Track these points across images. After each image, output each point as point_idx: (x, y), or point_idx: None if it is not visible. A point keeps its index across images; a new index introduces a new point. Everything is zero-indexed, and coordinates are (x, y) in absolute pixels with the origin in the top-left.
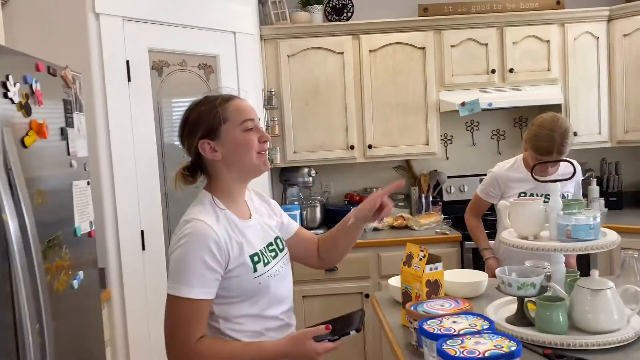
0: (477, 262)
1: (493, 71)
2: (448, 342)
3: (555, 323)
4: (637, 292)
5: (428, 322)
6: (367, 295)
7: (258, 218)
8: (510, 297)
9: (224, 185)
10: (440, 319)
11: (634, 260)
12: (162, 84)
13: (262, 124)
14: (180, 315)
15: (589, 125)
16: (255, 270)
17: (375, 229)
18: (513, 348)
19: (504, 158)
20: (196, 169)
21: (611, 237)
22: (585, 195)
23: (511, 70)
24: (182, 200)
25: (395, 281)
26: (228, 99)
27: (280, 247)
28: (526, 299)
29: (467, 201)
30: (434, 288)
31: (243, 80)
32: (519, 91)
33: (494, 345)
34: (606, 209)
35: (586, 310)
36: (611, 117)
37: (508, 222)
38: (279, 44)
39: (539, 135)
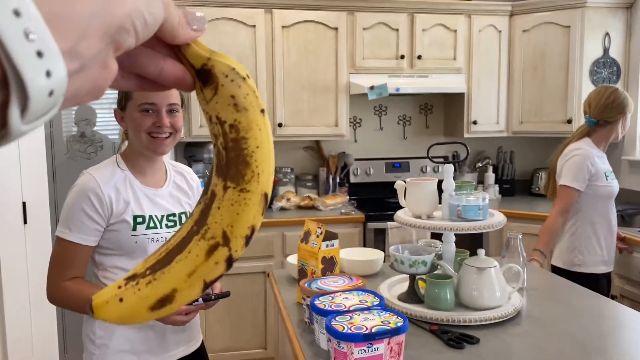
0: (378, 242)
1: (402, 57)
2: (337, 318)
3: (443, 300)
4: (519, 271)
5: (320, 298)
6: (269, 275)
7: (170, 191)
8: (404, 276)
9: (132, 152)
10: (332, 295)
11: (517, 240)
12: None
13: None
14: (56, 254)
15: (489, 115)
16: (134, 229)
17: (282, 209)
18: (399, 324)
19: (409, 143)
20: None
21: (498, 218)
22: (481, 182)
23: (419, 57)
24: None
25: (293, 259)
26: None
27: (184, 221)
28: (417, 277)
29: (373, 184)
30: (330, 265)
31: None
32: (425, 78)
33: (382, 321)
34: (500, 195)
35: (472, 287)
36: (508, 109)
37: (404, 201)
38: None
39: (620, 95)
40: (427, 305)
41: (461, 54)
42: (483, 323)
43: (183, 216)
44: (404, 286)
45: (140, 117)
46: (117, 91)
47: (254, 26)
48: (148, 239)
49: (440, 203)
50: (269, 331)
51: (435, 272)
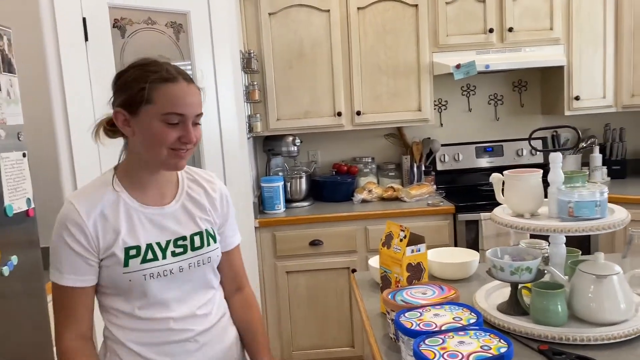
0: (470, 235)
1: (491, 30)
2: (427, 341)
3: (553, 313)
4: None
5: (406, 314)
6: (354, 270)
7: (180, 207)
8: None
9: (132, 164)
10: (420, 310)
11: (637, 238)
12: (126, 45)
13: (240, 89)
14: (55, 301)
15: (593, 88)
16: (126, 264)
17: (364, 201)
18: (503, 350)
19: (501, 125)
20: (115, 126)
21: (620, 214)
22: (586, 164)
23: (510, 30)
24: None
25: (375, 262)
26: (168, 79)
27: (197, 244)
28: (520, 285)
29: (462, 170)
30: (416, 272)
31: (218, 41)
32: (518, 52)
33: (481, 347)
34: (609, 178)
35: (589, 298)
36: (617, 80)
37: (502, 197)
38: (259, 0)
39: None
40: (534, 318)
41: (559, 22)
42: (605, 342)
43: (196, 238)
44: (505, 293)
45: (164, 129)
46: (121, 85)
47: (328, 10)
48: (145, 275)
49: (546, 198)
50: (355, 329)
51: (543, 279)
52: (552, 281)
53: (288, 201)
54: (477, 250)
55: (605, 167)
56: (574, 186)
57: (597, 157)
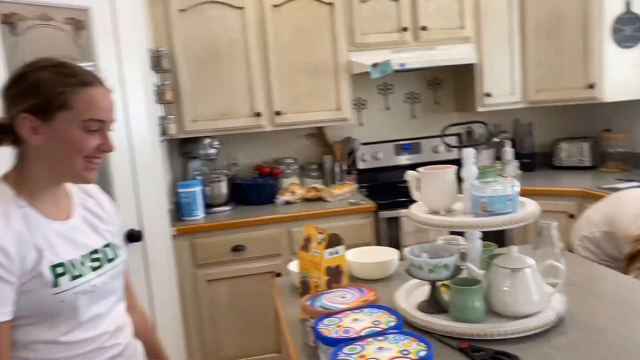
0: (391, 231)
1: (405, 29)
2: (346, 349)
3: (472, 310)
4: (556, 267)
5: (325, 320)
6: (278, 275)
7: (82, 219)
8: None
9: (33, 176)
10: (339, 315)
11: (552, 229)
12: (17, 43)
13: (150, 89)
14: None
15: (503, 85)
16: (55, 284)
17: (287, 203)
18: (422, 353)
19: (419, 122)
20: (5, 133)
21: (530, 207)
22: (499, 158)
23: (424, 28)
24: None
25: (295, 266)
26: (87, 82)
27: (110, 256)
28: (439, 283)
29: (383, 169)
30: (335, 275)
31: (124, 39)
32: (432, 50)
33: (400, 352)
34: (520, 171)
35: (505, 292)
36: (524, 77)
37: (418, 194)
38: None
39: None
40: (454, 316)
41: (469, 21)
42: (522, 335)
43: (108, 250)
44: (425, 290)
45: (83, 136)
46: (27, 87)
47: (242, 8)
48: (77, 293)
49: (461, 193)
50: (282, 334)
51: (460, 275)
52: (470, 277)
53: (208, 206)
54: (398, 246)
55: (517, 160)
56: (486, 181)
57: (508, 151)
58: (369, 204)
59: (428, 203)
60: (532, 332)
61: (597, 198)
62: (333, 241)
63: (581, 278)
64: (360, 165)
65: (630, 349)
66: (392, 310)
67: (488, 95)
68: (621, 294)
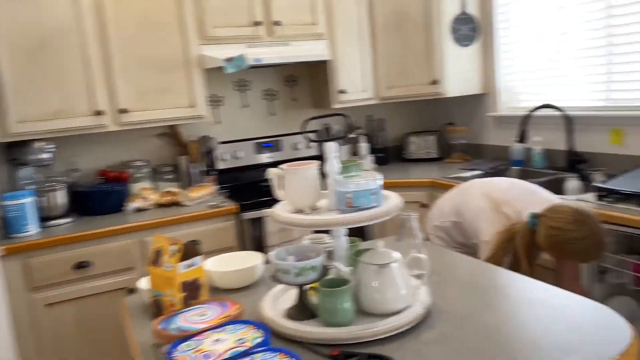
0: (256, 233)
1: (259, 23)
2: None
3: (342, 312)
4: (420, 258)
5: (183, 345)
6: (132, 290)
7: None
8: None
9: None
10: (199, 337)
11: (413, 221)
12: None
13: None
14: None
15: (356, 82)
16: None
17: (139, 210)
18: None
19: (278, 119)
20: None
21: (394, 200)
22: (355, 153)
23: (277, 23)
24: None
25: (146, 283)
26: None
27: None
28: (307, 286)
29: (243, 168)
30: (193, 291)
31: None
32: (286, 46)
33: None
34: (375, 165)
35: (373, 289)
36: (375, 74)
37: (282, 193)
38: None
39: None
40: (324, 320)
41: (321, 17)
42: (393, 333)
43: None
44: (292, 295)
45: None
46: None
47: None
48: None
49: (325, 189)
50: None
51: (328, 276)
52: (338, 277)
53: (44, 219)
54: (263, 248)
55: (372, 155)
56: (350, 176)
57: (364, 146)
58: (231, 205)
59: (292, 201)
60: (403, 328)
61: (445, 187)
62: (189, 252)
63: (441, 267)
64: (220, 165)
65: (497, 336)
66: (258, 324)
67: (342, 92)
68: (479, 281)
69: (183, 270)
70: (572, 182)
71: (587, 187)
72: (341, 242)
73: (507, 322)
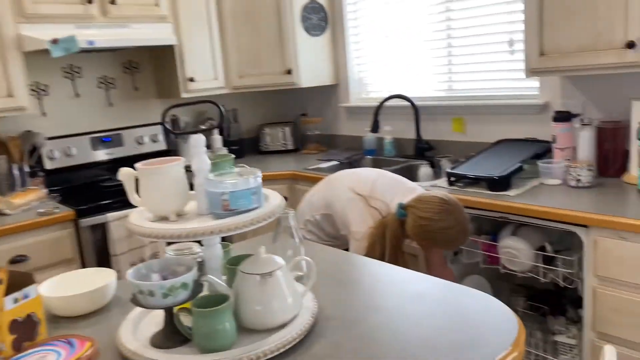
0: (97, 241)
1: (90, 1)
2: None
3: (221, 334)
4: (306, 262)
5: None
6: None
7: None
8: None
9: None
10: None
11: (290, 220)
12: None
13: None
14: None
15: (206, 70)
16: None
17: None
18: None
19: (117, 111)
20: None
21: (275, 199)
22: (209, 146)
23: (113, 2)
24: None
25: None
26: None
27: None
28: (178, 309)
29: (78, 167)
30: (27, 330)
31: None
32: (124, 28)
33: None
34: None
35: (256, 302)
36: (225, 62)
37: (137, 198)
38: None
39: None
40: (200, 346)
41: None
42: (283, 350)
43: None
44: (157, 316)
45: None
46: None
47: None
48: None
49: (192, 190)
50: None
51: (201, 293)
52: (213, 293)
53: None
54: (110, 258)
55: (226, 148)
56: (223, 173)
57: (217, 138)
58: (65, 211)
59: (153, 207)
60: (292, 343)
61: (305, 179)
62: (17, 280)
63: (320, 266)
64: (48, 165)
65: (390, 339)
66: None
67: (191, 80)
68: (361, 278)
69: (11, 307)
70: (424, 169)
71: (438, 173)
72: (215, 251)
73: (398, 322)
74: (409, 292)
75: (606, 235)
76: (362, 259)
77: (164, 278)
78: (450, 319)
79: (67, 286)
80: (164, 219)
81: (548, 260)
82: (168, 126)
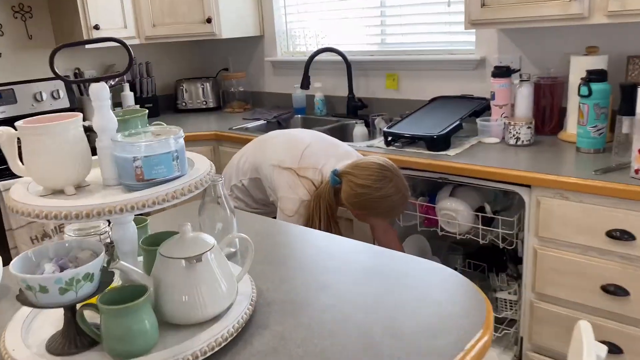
0: None
1: None
2: None
3: (139, 335)
4: (242, 239)
5: None
6: None
7: None
8: None
9: None
10: None
11: (220, 187)
12: None
13: None
14: None
15: (113, 17)
16: None
17: None
18: None
19: (7, 63)
20: None
21: (203, 165)
22: (119, 104)
23: None
24: None
25: None
26: None
27: None
28: (81, 305)
29: None
30: None
31: None
32: None
33: None
34: None
35: (181, 292)
36: (135, 9)
37: (21, 166)
38: None
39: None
40: (110, 351)
41: None
42: (216, 349)
43: None
44: (54, 314)
45: None
46: None
47: None
48: None
49: (95, 155)
50: None
51: (111, 285)
52: (127, 283)
53: None
54: (2, 232)
55: (138, 105)
56: (135, 133)
57: (129, 95)
58: None
59: (42, 178)
60: (230, 339)
61: (231, 140)
62: None
63: (253, 238)
64: None
65: (346, 326)
66: None
67: (96, 28)
68: (301, 251)
69: None
70: (359, 128)
71: (373, 133)
72: (127, 231)
73: (351, 303)
74: (360, 266)
75: (549, 194)
76: (300, 228)
77: (62, 267)
78: (416, 299)
79: None
80: (58, 192)
81: (487, 222)
82: (59, 72)
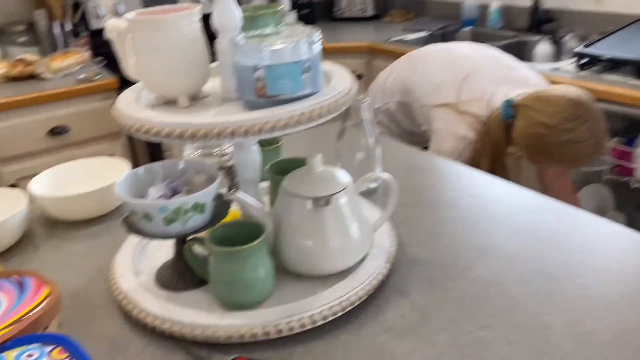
0: None
1: None
2: None
3: (251, 283)
4: (385, 181)
5: None
6: None
7: None
8: None
9: None
10: None
11: (364, 110)
12: None
13: None
14: None
15: None
16: None
17: None
18: None
19: None
20: None
21: (342, 82)
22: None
23: None
24: None
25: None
26: None
27: None
28: (190, 239)
29: None
30: None
31: None
32: None
33: None
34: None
35: (305, 236)
36: None
37: (131, 66)
38: None
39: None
40: (219, 297)
41: None
42: (342, 313)
43: None
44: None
45: None
46: None
47: None
48: None
49: (215, 62)
50: None
51: (225, 220)
52: (245, 220)
53: None
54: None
55: (295, 10)
56: (261, 35)
57: None
58: (110, 78)
59: (151, 83)
60: (357, 302)
61: (386, 53)
62: None
63: (397, 175)
64: (95, 24)
65: (511, 308)
66: (71, 345)
67: None
68: (459, 197)
69: None
70: (542, 47)
71: (560, 53)
72: (249, 156)
73: (525, 284)
74: (539, 230)
75: None
76: (459, 168)
77: (174, 191)
78: (625, 281)
79: (69, 181)
80: (169, 102)
81: None
82: None
